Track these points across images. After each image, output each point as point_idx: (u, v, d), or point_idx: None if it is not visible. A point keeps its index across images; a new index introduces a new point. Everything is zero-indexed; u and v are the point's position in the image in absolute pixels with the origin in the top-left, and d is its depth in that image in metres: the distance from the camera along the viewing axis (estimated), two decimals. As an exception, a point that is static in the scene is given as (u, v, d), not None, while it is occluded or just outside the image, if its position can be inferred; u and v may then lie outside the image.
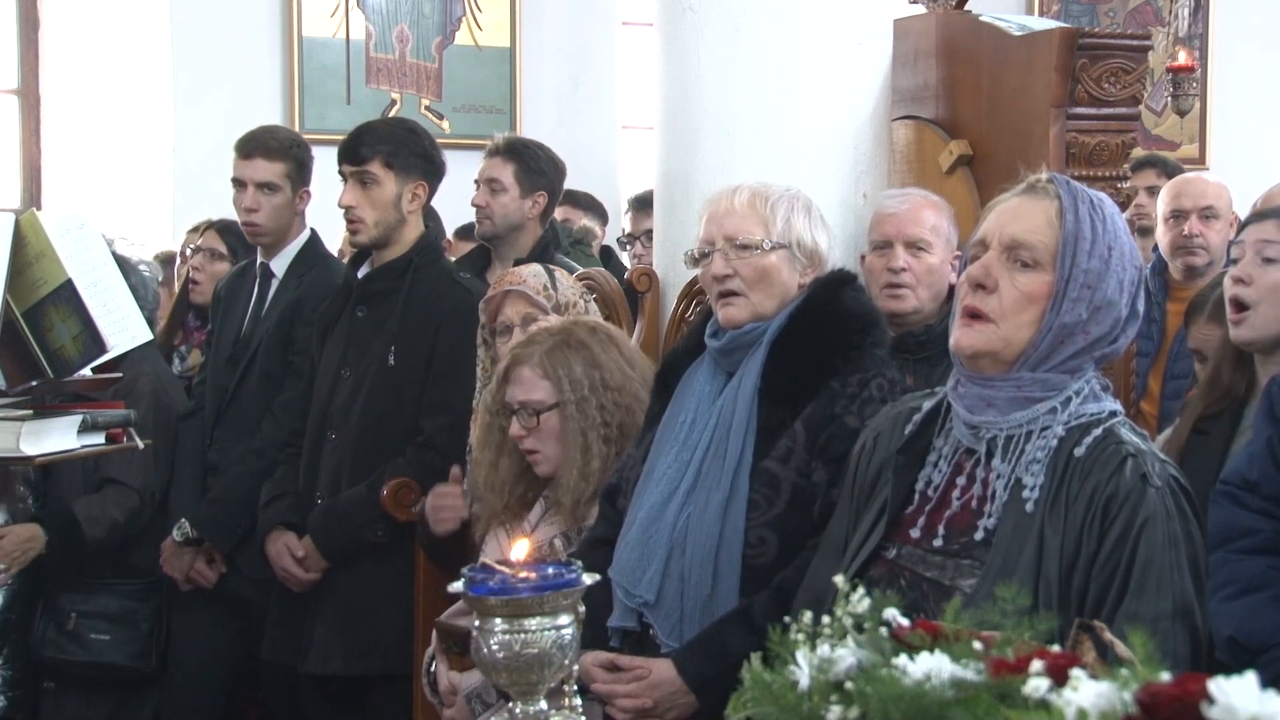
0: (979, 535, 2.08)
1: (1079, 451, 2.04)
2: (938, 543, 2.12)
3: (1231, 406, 2.88)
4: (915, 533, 2.14)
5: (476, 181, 4.46)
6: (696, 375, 2.71)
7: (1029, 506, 2.03)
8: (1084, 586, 1.99)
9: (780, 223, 2.67)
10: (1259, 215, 3.00)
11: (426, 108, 7.22)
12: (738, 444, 2.58)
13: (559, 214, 5.20)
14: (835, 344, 2.63)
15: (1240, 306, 2.83)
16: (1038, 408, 2.07)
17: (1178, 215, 4.39)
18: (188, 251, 5.08)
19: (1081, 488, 2.02)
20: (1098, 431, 2.06)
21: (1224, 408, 2.88)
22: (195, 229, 5.37)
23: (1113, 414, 2.10)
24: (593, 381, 2.88)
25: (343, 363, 3.75)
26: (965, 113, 3.60)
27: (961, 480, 2.13)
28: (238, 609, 4.09)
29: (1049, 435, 2.06)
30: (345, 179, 3.75)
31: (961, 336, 2.10)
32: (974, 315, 2.09)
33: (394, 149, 3.73)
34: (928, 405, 2.23)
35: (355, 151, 3.73)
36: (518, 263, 4.14)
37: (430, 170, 3.80)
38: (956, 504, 2.12)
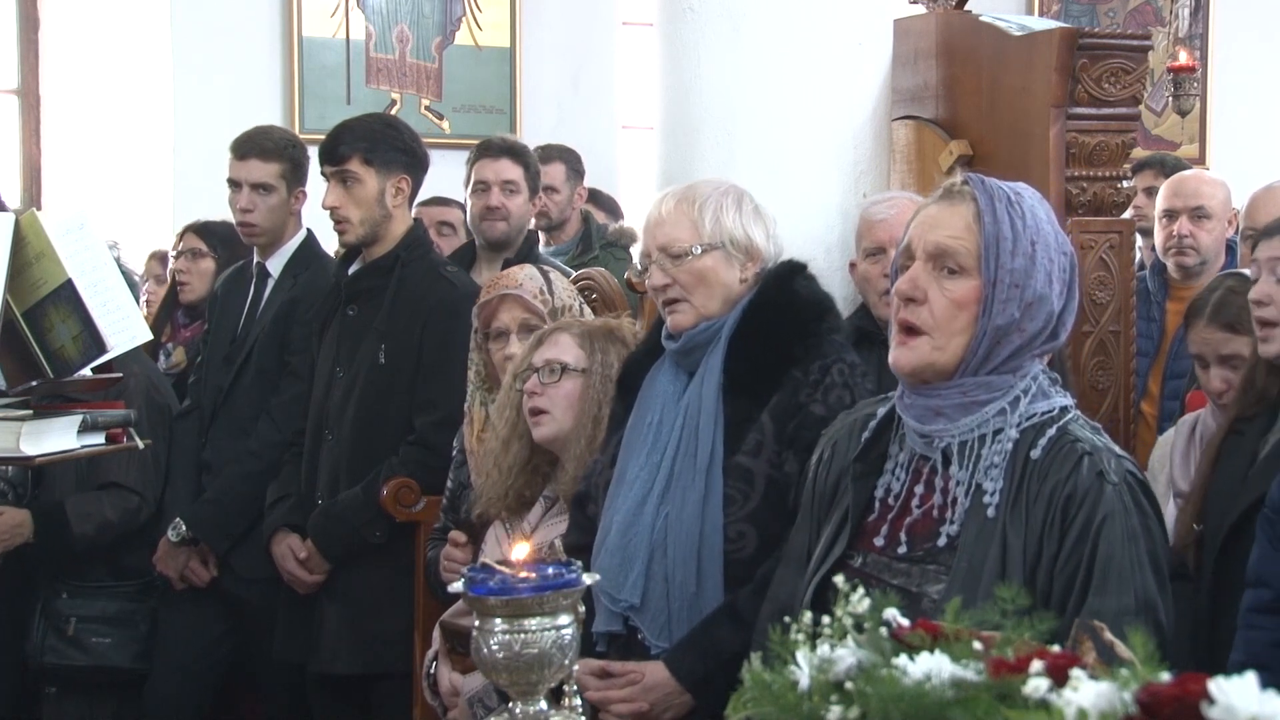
0: (942, 541, 2.07)
1: (1035, 453, 2.04)
2: (902, 550, 2.12)
3: (1265, 409, 2.89)
4: (879, 541, 2.14)
5: (482, 183, 4.42)
6: (659, 376, 2.72)
7: (990, 511, 2.03)
8: (1047, 587, 1.99)
9: (709, 223, 2.67)
10: (1269, 231, 2.98)
11: (426, 108, 7.22)
12: (707, 441, 2.59)
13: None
14: (793, 333, 2.64)
15: (1266, 324, 2.84)
16: (986, 410, 2.06)
17: (1170, 214, 4.37)
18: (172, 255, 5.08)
19: (1040, 489, 2.02)
20: (1052, 431, 2.05)
21: (1259, 410, 2.88)
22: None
23: (1064, 410, 2.09)
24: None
25: (336, 362, 3.75)
26: (965, 113, 3.60)
27: (920, 488, 2.12)
28: (227, 606, 4.08)
29: (1003, 439, 2.05)
30: (327, 180, 3.75)
31: (899, 356, 2.09)
32: (908, 330, 2.08)
33: (371, 145, 3.72)
34: (881, 411, 2.21)
35: (333, 151, 3.72)
36: (507, 263, 4.14)
37: (412, 163, 3.78)
38: (917, 511, 2.12)
